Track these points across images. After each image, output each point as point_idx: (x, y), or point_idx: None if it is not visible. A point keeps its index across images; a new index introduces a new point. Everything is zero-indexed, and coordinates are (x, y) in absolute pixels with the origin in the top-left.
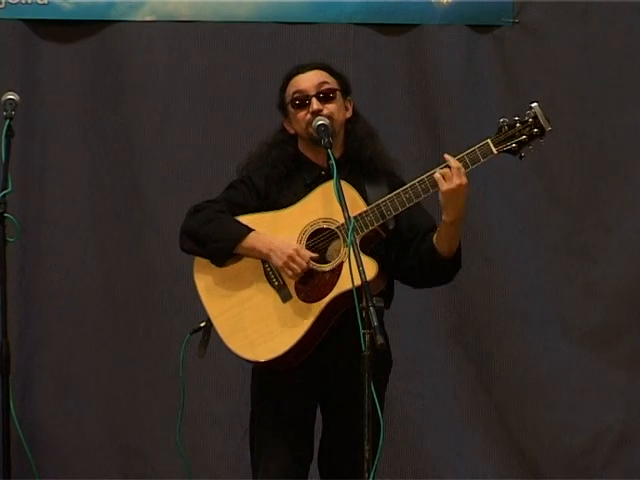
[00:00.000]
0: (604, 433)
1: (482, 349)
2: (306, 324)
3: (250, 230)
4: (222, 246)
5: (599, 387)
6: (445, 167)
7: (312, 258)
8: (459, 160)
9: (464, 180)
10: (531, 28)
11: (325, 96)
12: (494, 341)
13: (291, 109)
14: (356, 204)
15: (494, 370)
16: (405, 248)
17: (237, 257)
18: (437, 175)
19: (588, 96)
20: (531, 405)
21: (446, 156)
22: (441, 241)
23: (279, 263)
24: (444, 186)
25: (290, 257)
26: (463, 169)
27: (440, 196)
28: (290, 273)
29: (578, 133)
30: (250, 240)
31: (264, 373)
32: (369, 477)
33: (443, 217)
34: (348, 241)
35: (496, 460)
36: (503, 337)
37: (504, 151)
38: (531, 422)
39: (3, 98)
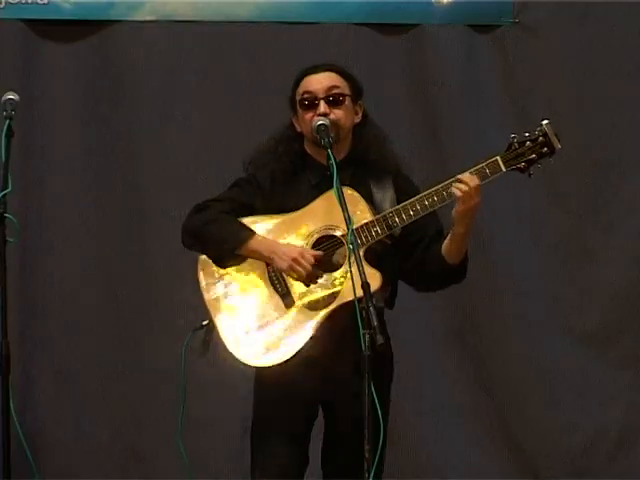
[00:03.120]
0: (604, 433)
1: (482, 349)
2: (309, 332)
3: (253, 233)
4: (224, 248)
5: (599, 387)
6: (460, 183)
7: (317, 257)
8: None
9: (479, 199)
10: (531, 28)
11: (334, 100)
12: (494, 341)
13: (299, 109)
14: (364, 214)
15: (494, 370)
16: (410, 250)
17: (242, 259)
18: (457, 193)
19: (588, 96)
20: (531, 405)
21: (461, 176)
22: (450, 250)
23: (283, 266)
24: (460, 207)
25: (294, 260)
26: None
27: (454, 213)
28: (295, 276)
29: (578, 133)
30: (253, 243)
31: (266, 376)
32: (369, 477)
33: (455, 229)
34: (347, 252)
35: (496, 460)
36: (503, 337)
37: (513, 169)
38: (531, 422)
39: (3, 98)
